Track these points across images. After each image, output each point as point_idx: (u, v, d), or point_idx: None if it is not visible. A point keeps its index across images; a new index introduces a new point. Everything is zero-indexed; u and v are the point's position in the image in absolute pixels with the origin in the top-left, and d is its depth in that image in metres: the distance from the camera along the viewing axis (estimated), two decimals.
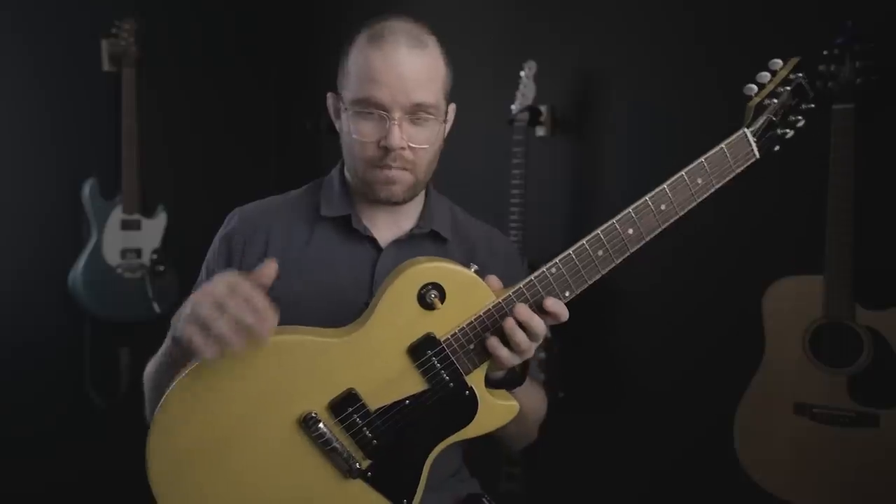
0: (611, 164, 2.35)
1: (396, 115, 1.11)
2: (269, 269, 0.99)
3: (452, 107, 1.24)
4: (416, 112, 1.13)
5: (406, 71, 1.11)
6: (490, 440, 1.27)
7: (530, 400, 1.21)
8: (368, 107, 1.12)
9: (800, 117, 1.09)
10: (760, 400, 1.85)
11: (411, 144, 1.13)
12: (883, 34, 1.74)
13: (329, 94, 1.25)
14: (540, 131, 2.45)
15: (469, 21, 2.72)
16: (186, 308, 0.97)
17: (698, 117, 2.07)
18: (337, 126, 1.24)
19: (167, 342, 1.10)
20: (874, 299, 1.72)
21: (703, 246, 2.14)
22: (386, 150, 1.12)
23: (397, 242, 1.22)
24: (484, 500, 1.28)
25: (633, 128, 2.28)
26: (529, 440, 1.32)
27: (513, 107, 2.38)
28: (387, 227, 1.24)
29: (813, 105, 1.09)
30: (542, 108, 2.40)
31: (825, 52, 1.75)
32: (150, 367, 1.18)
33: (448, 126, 1.25)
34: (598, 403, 2.41)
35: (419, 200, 1.26)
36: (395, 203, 1.19)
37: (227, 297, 0.94)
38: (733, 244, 2.09)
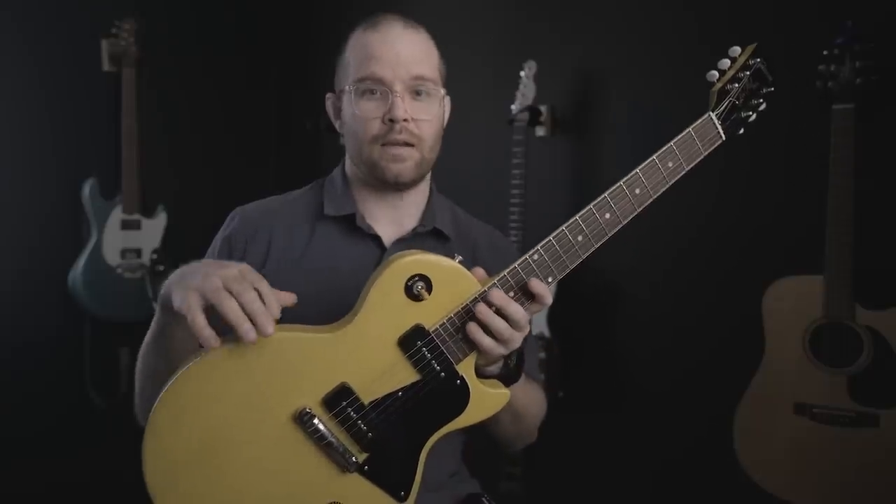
0: (611, 164, 2.35)
1: (398, 87, 1.15)
2: (290, 297, 0.99)
3: (448, 98, 1.25)
4: (415, 86, 1.16)
5: (404, 47, 1.16)
6: (490, 440, 1.28)
7: (528, 398, 1.21)
8: (370, 83, 1.15)
9: (761, 101, 1.13)
10: (760, 400, 1.85)
11: (414, 117, 1.16)
12: (883, 34, 1.74)
13: (328, 96, 1.26)
14: (540, 131, 2.45)
15: (469, 21, 2.73)
16: (189, 276, 0.97)
17: (698, 117, 2.07)
18: (337, 126, 1.25)
19: (156, 316, 1.09)
20: (874, 299, 1.72)
21: (703, 246, 2.14)
22: (391, 124, 1.15)
23: (401, 241, 1.23)
24: (484, 500, 1.28)
25: (633, 128, 2.28)
26: (528, 441, 1.31)
27: (513, 107, 2.38)
28: (390, 226, 1.24)
29: (773, 89, 1.13)
30: (542, 108, 2.40)
31: (825, 52, 1.75)
32: (140, 354, 1.17)
33: (446, 116, 1.26)
34: (598, 403, 2.41)
35: (422, 199, 1.27)
36: (402, 184, 1.19)
37: (237, 279, 0.95)
38: (733, 244, 2.09)
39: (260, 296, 0.95)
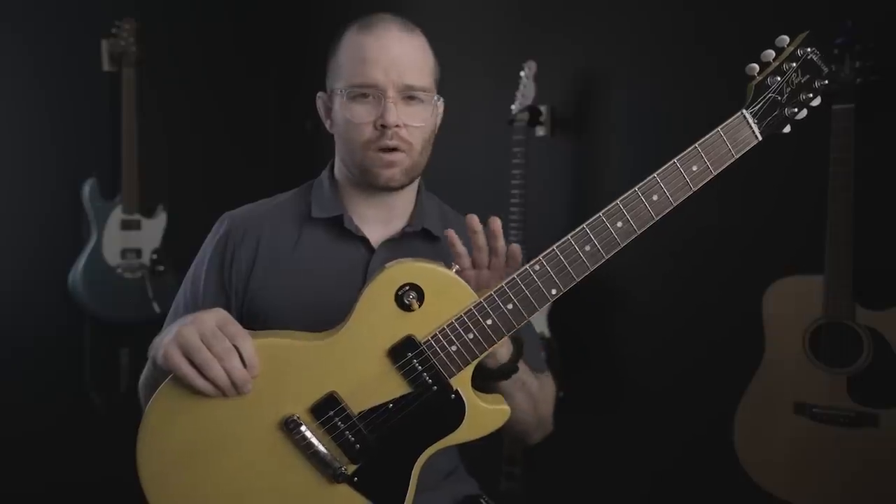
0: (611, 164, 2.34)
1: (391, 93, 1.13)
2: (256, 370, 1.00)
3: (441, 101, 1.23)
4: (408, 92, 1.15)
5: (398, 52, 1.14)
6: (490, 439, 1.27)
7: (543, 391, 1.22)
8: (363, 88, 1.14)
9: (811, 95, 1.00)
10: (760, 400, 1.85)
11: (406, 123, 1.15)
12: (883, 34, 1.74)
13: (319, 95, 1.25)
14: (540, 131, 2.45)
15: (469, 21, 2.72)
16: (170, 334, 0.99)
17: (698, 117, 2.06)
18: (327, 126, 1.25)
19: (149, 365, 1.12)
20: (874, 299, 1.72)
21: (703, 246, 2.14)
22: (383, 130, 1.14)
23: (389, 242, 1.22)
24: (482, 500, 1.27)
25: (634, 128, 2.27)
26: (546, 431, 1.29)
27: (513, 107, 2.38)
28: (378, 227, 1.23)
29: (827, 82, 1.00)
30: (542, 108, 2.40)
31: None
32: (142, 381, 1.19)
33: (439, 119, 1.24)
34: (598, 403, 2.41)
35: (410, 199, 1.26)
36: (392, 189, 1.19)
37: (213, 337, 0.96)
38: (733, 244, 2.09)
39: (240, 354, 0.96)
